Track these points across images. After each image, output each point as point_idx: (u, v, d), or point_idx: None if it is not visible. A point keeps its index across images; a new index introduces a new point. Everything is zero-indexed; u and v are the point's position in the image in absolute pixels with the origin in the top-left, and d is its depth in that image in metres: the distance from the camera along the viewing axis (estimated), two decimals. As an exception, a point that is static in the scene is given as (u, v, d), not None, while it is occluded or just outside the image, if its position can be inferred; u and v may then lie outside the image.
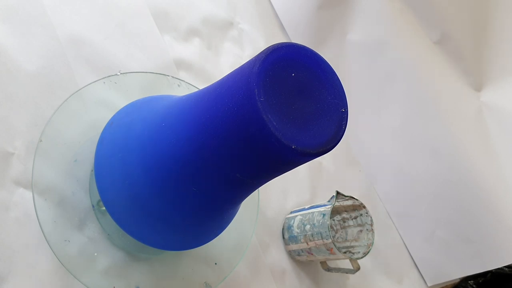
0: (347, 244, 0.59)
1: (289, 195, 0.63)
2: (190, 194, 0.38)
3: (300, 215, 0.59)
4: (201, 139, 0.35)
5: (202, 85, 0.59)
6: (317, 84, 0.33)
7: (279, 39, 0.71)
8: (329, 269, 0.60)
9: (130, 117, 0.43)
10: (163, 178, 0.38)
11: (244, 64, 0.34)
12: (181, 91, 0.55)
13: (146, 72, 0.53)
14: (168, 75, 0.54)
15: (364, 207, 0.58)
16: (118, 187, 0.41)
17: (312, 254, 0.57)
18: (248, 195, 0.41)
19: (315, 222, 0.56)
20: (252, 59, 0.33)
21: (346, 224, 0.60)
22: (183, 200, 0.39)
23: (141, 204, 0.40)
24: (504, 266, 0.68)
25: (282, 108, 0.31)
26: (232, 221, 0.46)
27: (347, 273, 0.58)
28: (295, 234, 0.58)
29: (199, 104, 0.36)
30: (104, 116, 0.46)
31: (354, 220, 0.59)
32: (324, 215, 0.55)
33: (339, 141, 0.33)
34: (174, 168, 0.37)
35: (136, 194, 0.40)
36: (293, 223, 0.59)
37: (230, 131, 0.32)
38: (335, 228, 0.60)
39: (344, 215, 0.60)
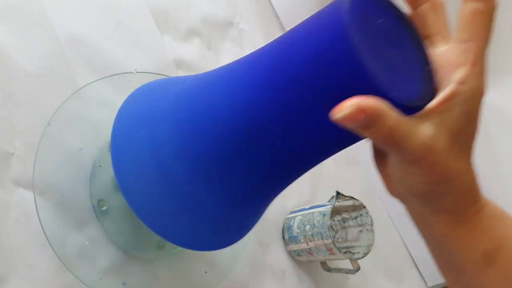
0: (347, 244, 0.59)
1: (289, 195, 0.63)
2: (233, 172, 0.35)
3: (300, 215, 0.59)
4: (266, 98, 0.31)
5: (202, 85, 0.59)
6: (403, 36, 0.30)
7: (279, 39, 0.71)
8: (329, 269, 0.60)
9: (156, 93, 0.40)
10: (203, 154, 0.35)
11: (314, 14, 0.30)
12: (181, 91, 0.54)
13: (146, 72, 0.53)
14: (168, 75, 0.54)
15: (364, 207, 0.58)
16: (141, 168, 0.37)
17: (312, 254, 0.57)
18: (282, 190, 0.38)
19: (315, 222, 0.56)
20: (328, 5, 0.29)
21: (346, 224, 0.60)
22: (221, 181, 0.35)
23: (169, 186, 0.36)
24: (504, 266, 0.68)
25: (374, 54, 0.28)
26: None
27: (347, 273, 0.58)
28: (295, 234, 0.58)
29: (262, 61, 0.32)
30: (104, 116, 0.46)
31: (354, 220, 0.59)
32: (324, 215, 0.55)
33: (432, 99, 0.28)
34: (220, 140, 0.34)
35: (165, 174, 0.36)
36: (293, 223, 0.59)
37: (307, 82, 0.29)
38: (335, 228, 0.60)
39: (344, 215, 0.60)
